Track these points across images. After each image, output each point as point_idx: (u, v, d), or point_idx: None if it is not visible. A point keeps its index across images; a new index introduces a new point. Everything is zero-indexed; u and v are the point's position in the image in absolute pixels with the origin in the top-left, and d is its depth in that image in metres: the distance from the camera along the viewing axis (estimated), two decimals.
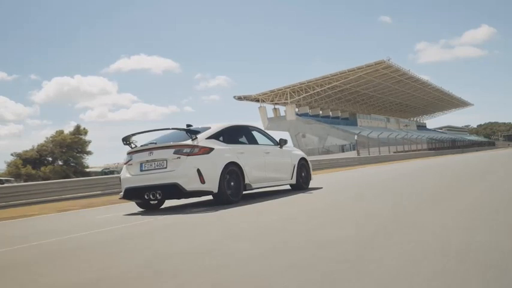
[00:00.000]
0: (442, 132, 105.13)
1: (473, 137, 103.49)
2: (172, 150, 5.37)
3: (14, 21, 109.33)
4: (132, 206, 6.16)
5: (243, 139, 6.37)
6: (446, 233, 2.54)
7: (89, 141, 39.04)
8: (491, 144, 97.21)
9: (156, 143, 5.68)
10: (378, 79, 55.52)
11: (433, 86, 68.29)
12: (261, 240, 2.86)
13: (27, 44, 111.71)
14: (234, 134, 6.20)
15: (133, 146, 5.85)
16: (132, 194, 5.61)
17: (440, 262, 1.88)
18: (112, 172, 41.41)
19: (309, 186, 7.25)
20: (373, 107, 75.71)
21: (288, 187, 7.13)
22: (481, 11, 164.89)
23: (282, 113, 57.61)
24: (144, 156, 5.51)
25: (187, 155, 5.29)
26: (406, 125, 62.15)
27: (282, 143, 6.89)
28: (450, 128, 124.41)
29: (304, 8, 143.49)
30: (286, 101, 54.38)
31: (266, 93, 55.26)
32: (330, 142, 52.10)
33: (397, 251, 2.19)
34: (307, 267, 1.99)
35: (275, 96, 55.24)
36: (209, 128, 5.87)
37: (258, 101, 56.45)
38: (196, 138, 5.45)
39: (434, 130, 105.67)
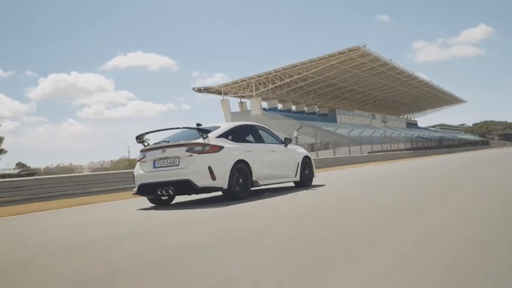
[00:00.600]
0: (434, 131, 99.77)
1: (466, 136, 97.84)
2: (185, 148, 5.58)
3: (11, 18, 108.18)
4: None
5: (250, 138, 6.55)
6: None
7: (1, 138, 32.64)
8: (485, 144, 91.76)
9: (168, 141, 5.89)
10: (355, 69, 49.35)
11: (420, 79, 62.21)
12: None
13: (23, 40, 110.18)
14: (242, 133, 6.43)
15: (146, 144, 6.08)
16: (145, 189, 5.82)
17: None
18: (32, 174, 35.23)
19: (312, 184, 7.48)
20: (356, 102, 69.56)
21: (292, 184, 7.36)
22: (479, 10, 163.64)
23: (250, 107, 51.41)
24: (157, 154, 5.71)
25: (199, 153, 5.52)
26: (383, 121, 56.05)
27: (286, 141, 7.16)
28: (443, 127, 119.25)
29: (304, 8, 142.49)
30: (251, 94, 48.18)
31: (229, 85, 49.02)
32: (300, 140, 45.88)
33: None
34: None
35: (239, 88, 49.01)
36: (219, 127, 6.09)
37: (220, 93, 50.23)
38: (207, 137, 5.68)
39: (426, 128, 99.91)
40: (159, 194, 5.67)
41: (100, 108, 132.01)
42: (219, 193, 5.84)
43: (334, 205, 4.75)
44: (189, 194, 5.93)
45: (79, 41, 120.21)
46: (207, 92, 50.23)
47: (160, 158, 5.67)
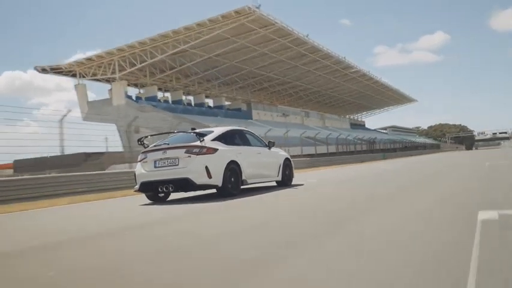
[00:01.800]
0: (384, 133, 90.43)
1: (414, 138, 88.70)
2: (184, 149, 6.25)
3: None
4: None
5: (239, 141, 7.26)
6: None
7: None
8: (435, 147, 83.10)
9: (168, 144, 6.56)
10: (261, 47, 36.93)
11: (355, 69, 50.93)
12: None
13: None
14: (232, 137, 7.14)
15: (146, 146, 6.79)
16: (146, 187, 6.43)
17: None
18: None
19: (292, 183, 8.26)
20: (282, 96, 57.54)
21: (274, 184, 8.13)
22: (436, 17, 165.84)
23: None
24: (158, 155, 6.33)
25: (197, 154, 6.20)
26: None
27: (270, 145, 7.97)
28: (395, 129, 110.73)
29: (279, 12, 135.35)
30: (114, 76, 34.60)
31: (83, 63, 35.13)
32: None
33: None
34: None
35: (98, 68, 35.30)
36: (212, 131, 6.90)
37: (75, 75, 36.29)
38: (204, 140, 6.37)
39: (374, 130, 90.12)
40: (160, 191, 6.41)
41: (59, 108, 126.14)
42: (212, 191, 6.62)
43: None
44: (187, 191, 6.60)
45: (36, 37, 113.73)
46: (55, 72, 36.06)
47: (161, 159, 6.28)
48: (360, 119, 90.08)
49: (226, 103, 50.87)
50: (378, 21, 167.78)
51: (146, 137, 7.00)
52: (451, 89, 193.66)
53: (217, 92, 47.41)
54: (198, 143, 6.26)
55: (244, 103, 51.81)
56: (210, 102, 48.43)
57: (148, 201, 6.58)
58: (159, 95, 43.87)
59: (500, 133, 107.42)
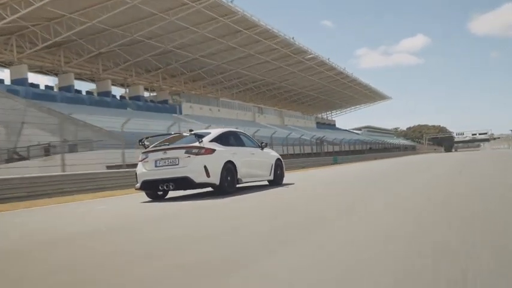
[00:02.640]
0: (356, 134, 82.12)
1: (391, 140, 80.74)
2: (184, 150, 6.62)
3: None
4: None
5: (234, 142, 7.66)
6: None
7: None
8: (410, 149, 75.19)
9: (169, 144, 6.96)
10: (169, 14, 27.40)
11: (311, 55, 41.95)
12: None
13: None
14: (228, 138, 7.54)
15: (146, 146, 7.15)
16: (148, 185, 6.74)
17: None
18: None
19: (283, 182, 8.70)
20: (228, 88, 48.16)
21: (266, 183, 8.48)
22: (417, 21, 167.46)
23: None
24: (159, 155, 6.67)
25: (196, 155, 6.56)
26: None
27: (263, 146, 8.41)
28: (370, 129, 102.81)
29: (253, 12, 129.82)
30: None
31: None
32: (46, 139, 22.94)
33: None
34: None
35: None
36: (209, 133, 7.34)
37: None
38: (202, 141, 6.75)
39: (346, 130, 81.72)
40: (160, 189, 6.69)
41: None
42: (208, 189, 6.94)
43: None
44: (186, 189, 6.96)
45: None
46: None
47: (162, 159, 6.61)
48: (330, 118, 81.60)
49: (152, 94, 41.28)
50: (359, 23, 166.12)
51: (147, 138, 7.39)
52: (432, 90, 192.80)
53: (134, 80, 37.66)
54: (197, 143, 6.66)
55: (176, 95, 42.31)
56: (124, 91, 38.70)
57: (148, 199, 6.87)
58: (46, 80, 33.96)
59: (480, 134, 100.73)
